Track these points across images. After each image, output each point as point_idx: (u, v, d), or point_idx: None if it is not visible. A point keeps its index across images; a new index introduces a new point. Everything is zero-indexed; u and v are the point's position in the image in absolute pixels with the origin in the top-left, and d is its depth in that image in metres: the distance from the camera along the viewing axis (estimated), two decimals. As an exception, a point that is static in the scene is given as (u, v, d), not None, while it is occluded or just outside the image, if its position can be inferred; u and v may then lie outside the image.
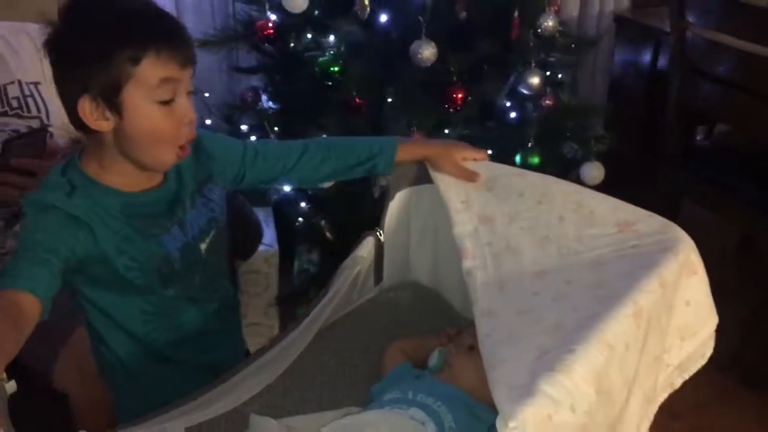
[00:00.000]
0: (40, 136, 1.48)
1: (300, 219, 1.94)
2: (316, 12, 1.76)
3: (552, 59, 1.95)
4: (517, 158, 1.83)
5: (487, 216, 1.17)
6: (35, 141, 1.47)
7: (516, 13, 1.69)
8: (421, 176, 1.30)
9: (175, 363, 1.20)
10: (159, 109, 1.04)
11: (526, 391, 0.81)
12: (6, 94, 1.56)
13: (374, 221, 1.30)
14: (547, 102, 1.89)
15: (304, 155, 1.27)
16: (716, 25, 1.98)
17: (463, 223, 1.16)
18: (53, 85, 1.58)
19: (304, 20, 1.78)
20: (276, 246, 1.93)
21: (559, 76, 2.00)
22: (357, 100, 1.68)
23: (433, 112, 1.76)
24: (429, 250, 1.38)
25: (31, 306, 0.95)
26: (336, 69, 1.67)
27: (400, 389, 1.12)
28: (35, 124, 1.56)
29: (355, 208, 1.77)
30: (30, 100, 1.58)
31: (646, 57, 2.34)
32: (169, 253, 1.12)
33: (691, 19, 2.01)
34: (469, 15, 1.74)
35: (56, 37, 1.04)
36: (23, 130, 1.53)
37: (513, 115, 1.84)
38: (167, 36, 1.03)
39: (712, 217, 2.22)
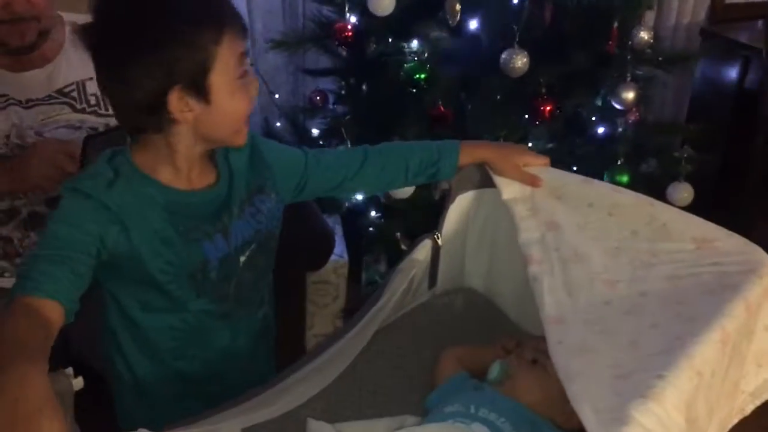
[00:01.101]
0: (119, 134, 1.44)
1: (370, 228, 1.88)
2: (400, 16, 1.69)
3: (640, 73, 1.86)
4: (605, 176, 1.74)
5: (555, 223, 1.14)
6: (114, 138, 1.42)
7: (615, 24, 1.61)
8: (484, 180, 1.26)
9: (192, 382, 1.14)
10: (240, 86, 1.01)
11: (618, 417, 0.79)
12: (84, 91, 1.52)
13: (431, 222, 1.26)
14: (633, 118, 1.81)
15: (365, 163, 1.22)
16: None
17: (530, 230, 1.13)
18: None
19: (386, 24, 1.72)
20: (345, 256, 1.86)
21: (643, 92, 1.92)
22: (442, 108, 1.61)
23: (517, 124, 1.69)
24: (485, 257, 1.34)
25: (53, 312, 0.91)
26: (423, 76, 1.60)
27: (461, 402, 1.07)
28: (113, 122, 1.52)
29: (427, 217, 1.71)
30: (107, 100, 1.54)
31: (732, 74, 2.23)
32: (208, 262, 1.07)
33: (787, 35, 1.92)
34: (560, 25, 1.66)
35: (108, 31, 0.96)
36: (101, 128, 1.48)
37: (601, 130, 1.76)
38: (233, 12, 1.01)
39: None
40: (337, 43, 1.83)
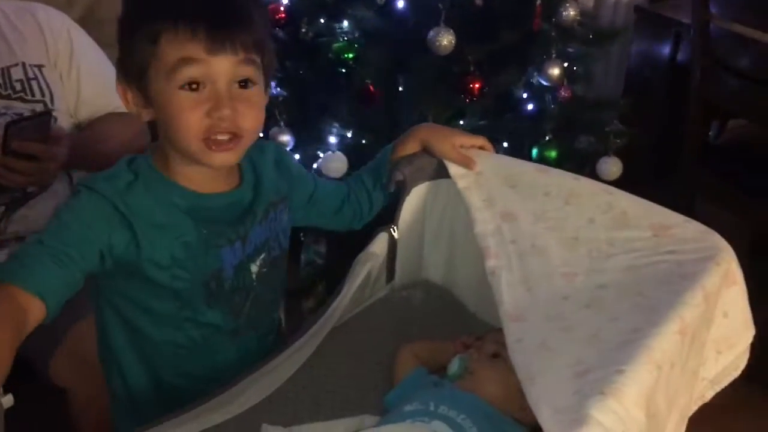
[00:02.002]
0: (45, 120, 1.44)
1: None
2: (330, -4, 1.71)
3: (571, 50, 1.90)
4: (534, 152, 1.77)
5: (511, 213, 1.12)
6: (39, 124, 1.42)
7: (538, 2, 1.64)
8: (438, 171, 1.25)
9: (190, 401, 1.10)
10: (183, 96, 0.93)
11: (576, 418, 0.76)
12: (9, 77, 1.51)
13: (387, 215, 1.25)
14: (564, 94, 1.84)
15: (350, 194, 1.25)
16: (740, 17, 1.93)
17: (485, 222, 1.11)
18: (56, 69, 1.57)
19: (317, 5, 1.73)
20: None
21: (574, 68, 1.95)
22: (371, 88, 1.63)
23: (448, 103, 1.71)
24: (443, 248, 1.33)
25: (36, 310, 0.89)
26: (350, 56, 1.61)
27: (420, 399, 1.06)
28: (39, 107, 1.52)
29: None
30: (34, 83, 1.53)
31: (665, 50, 2.28)
32: (223, 269, 1.03)
33: (714, 10, 1.96)
34: (488, 3, 1.68)
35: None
36: (27, 114, 1.48)
37: (530, 107, 1.79)
38: (193, 11, 0.92)
39: (726, 216, 2.17)
40: (271, 25, 1.83)
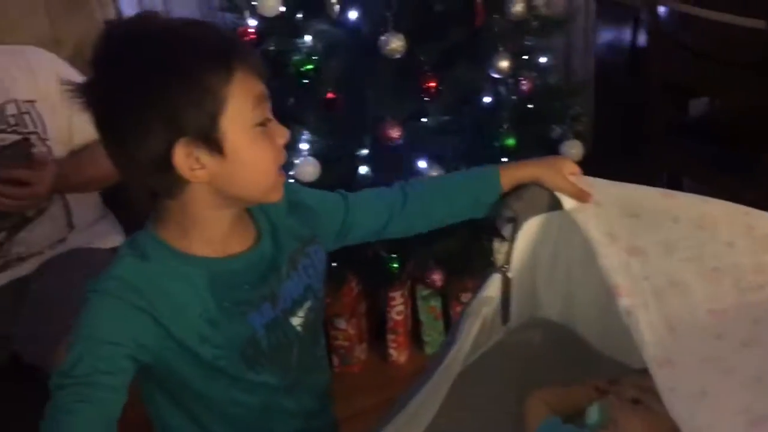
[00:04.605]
0: (23, 146, 1.57)
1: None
2: (292, 14, 1.84)
3: (529, 42, 2.00)
4: (495, 142, 1.88)
5: (638, 248, 1.02)
6: (18, 151, 1.56)
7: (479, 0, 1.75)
8: (549, 203, 1.16)
9: None
10: (259, 133, 0.89)
11: None
12: (4, 113, 1.65)
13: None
14: (524, 85, 1.94)
15: (406, 202, 1.13)
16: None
17: (610, 257, 1.03)
18: (47, 101, 1.72)
19: (280, 23, 1.86)
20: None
21: (542, 59, 2.05)
22: (333, 95, 1.75)
23: (408, 102, 1.83)
24: (559, 284, 1.25)
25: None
26: (310, 67, 1.74)
27: None
28: (33, 138, 1.66)
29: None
30: (26, 117, 1.67)
31: (626, 35, 2.38)
32: (255, 332, 0.97)
33: (662, -8, 2.05)
34: (434, 5, 1.80)
35: (106, 85, 0.87)
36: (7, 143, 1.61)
37: (487, 100, 1.89)
38: (244, 48, 0.90)
39: (702, 191, 2.24)
40: (243, 45, 1.97)
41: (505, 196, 1.15)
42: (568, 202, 1.12)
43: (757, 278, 0.97)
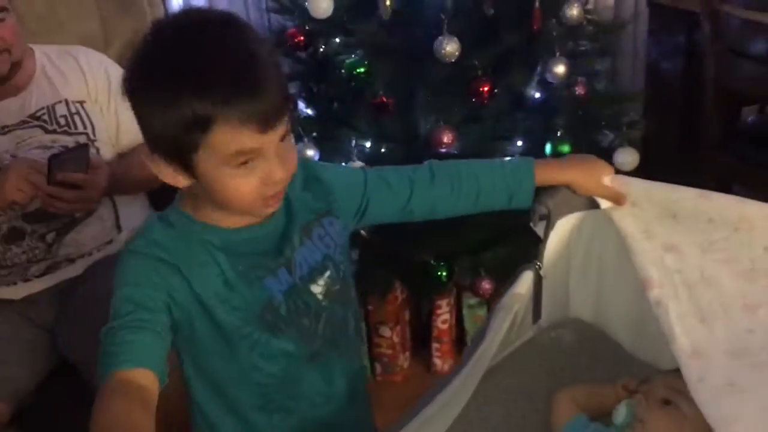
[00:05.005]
0: (83, 152, 1.57)
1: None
2: (343, 16, 1.81)
3: (583, 48, 1.96)
4: (548, 148, 1.83)
5: (674, 246, 1.02)
6: (78, 156, 1.56)
7: (537, 4, 1.71)
8: (583, 202, 1.15)
9: None
10: (236, 172, 0.90)
11: None
12: (54, 114, 1.66)
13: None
14: (579, 91, 1.89)
15: (434, 181, 1.11)
16: (748, 3, 1.95)
17: (645, 252, 1.03)
18: (96, 102, 1.71)
19: (331, 25, 1.84)
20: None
21: (596, 65, 2.01)
22: (384, 99, 1.72)
23: (460, 107, 1.79)
24: (592, 284, 1.24)
25: (150, 382, 0.88)
26: (361, 70, 1.71)
27: None
28: (82, 139, 1.65)
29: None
30: (76, 118, 1.67)
31: (681, 41, 2.31)
32: (273, 297, 1.00)
33: (723, -3, 1.99)
34: (493, 9, 1.76)
35: (130, 78, 0.91)
36: (69, 146, 1.62)
37: (542, 105, 1.85)
38: (242, 99, 0.85)
39: (754, 198, 2.17)
40: (292, 48, 1.95)
41: (537, 192, 1.13)
42: (604, 202, 1.11)
43: None
